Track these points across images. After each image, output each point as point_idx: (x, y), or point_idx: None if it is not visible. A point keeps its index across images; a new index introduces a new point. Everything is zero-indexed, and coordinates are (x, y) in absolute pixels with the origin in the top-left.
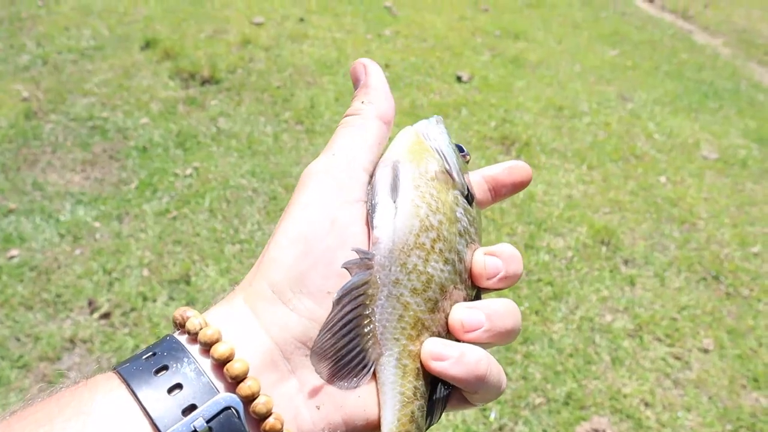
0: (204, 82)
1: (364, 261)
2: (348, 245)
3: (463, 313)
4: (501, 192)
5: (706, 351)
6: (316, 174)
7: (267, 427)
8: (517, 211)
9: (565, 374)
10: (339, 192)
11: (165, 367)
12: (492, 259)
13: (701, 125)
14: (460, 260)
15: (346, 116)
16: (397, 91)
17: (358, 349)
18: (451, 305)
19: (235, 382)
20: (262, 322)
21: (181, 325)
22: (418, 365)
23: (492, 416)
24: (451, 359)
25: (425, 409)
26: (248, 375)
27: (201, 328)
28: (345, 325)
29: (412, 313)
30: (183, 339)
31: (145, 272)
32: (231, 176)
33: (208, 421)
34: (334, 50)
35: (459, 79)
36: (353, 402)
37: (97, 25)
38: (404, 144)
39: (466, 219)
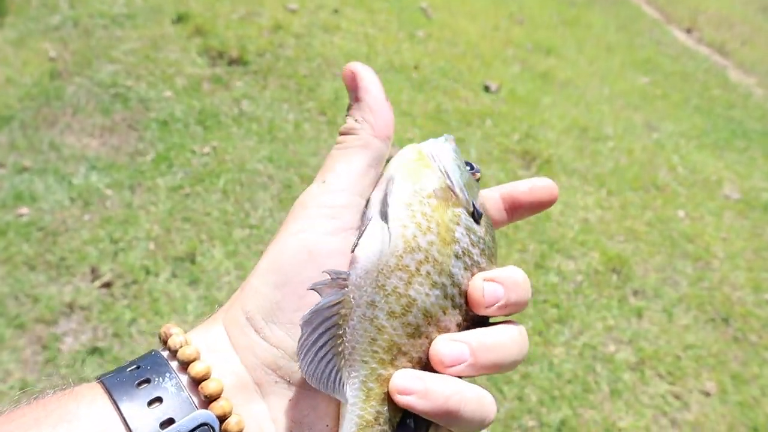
0: (231, 62)
1: (336, 281)
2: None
3: (443, 345)
4: (518, 212)
5: (707, 394)
6: (304, 203)
7: None
8: (531, 228)
9: (561, 400)
10: (328, 221)
11: (147, 381)
12: (491, 285)
13: (726, 164)
14: (454, 284)
15: (340, 134)
16: (423, 93)
17: (334, 369)
18: (438, 332)
19: (208, 401)
20: (236, 347)
21: (165, 341)
22: (387, 390)
23: None
24: (417, 394)
25: None
26: (222, 395)
27: (181, 346)
28: (321, 348)
29: (386, 336)
30: (167, 355)
31: (152, 246)
32: (248, 160)
33: None
34: (364, 45)
35: (487, 88)
36: (320, 430)
37: None
38: (402, 161)
39: (467, 239)
